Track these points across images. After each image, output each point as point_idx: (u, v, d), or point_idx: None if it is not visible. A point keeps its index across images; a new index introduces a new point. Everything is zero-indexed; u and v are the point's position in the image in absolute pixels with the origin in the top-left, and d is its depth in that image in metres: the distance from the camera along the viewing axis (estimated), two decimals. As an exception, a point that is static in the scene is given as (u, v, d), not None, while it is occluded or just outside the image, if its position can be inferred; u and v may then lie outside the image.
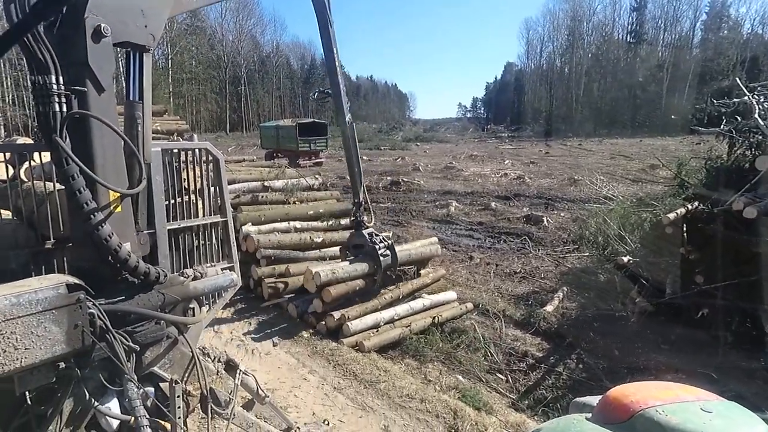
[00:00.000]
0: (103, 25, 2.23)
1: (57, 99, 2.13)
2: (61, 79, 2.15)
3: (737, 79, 8.40)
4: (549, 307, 6.77)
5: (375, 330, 5.90)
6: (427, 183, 19.59)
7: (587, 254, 9.15)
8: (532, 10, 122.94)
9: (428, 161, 28.41)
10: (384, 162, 29.18)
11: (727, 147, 7.63)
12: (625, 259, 7.21)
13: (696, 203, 6.24)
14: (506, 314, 6.73)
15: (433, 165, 26.23)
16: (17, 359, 1.79)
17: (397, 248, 6.59)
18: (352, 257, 6.56)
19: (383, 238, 6.47)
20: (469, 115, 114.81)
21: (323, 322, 5.92)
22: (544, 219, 12.29)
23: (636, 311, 6.33)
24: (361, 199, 6.51)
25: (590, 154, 32.49)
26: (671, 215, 6.16)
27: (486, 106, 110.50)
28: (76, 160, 2.15)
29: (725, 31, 63.37)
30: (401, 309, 6.26)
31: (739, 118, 7.29)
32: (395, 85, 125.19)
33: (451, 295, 6.92)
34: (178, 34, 61.35)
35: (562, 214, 13.18)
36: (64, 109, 2.17)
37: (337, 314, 5.82)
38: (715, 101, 8.63)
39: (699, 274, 5.85)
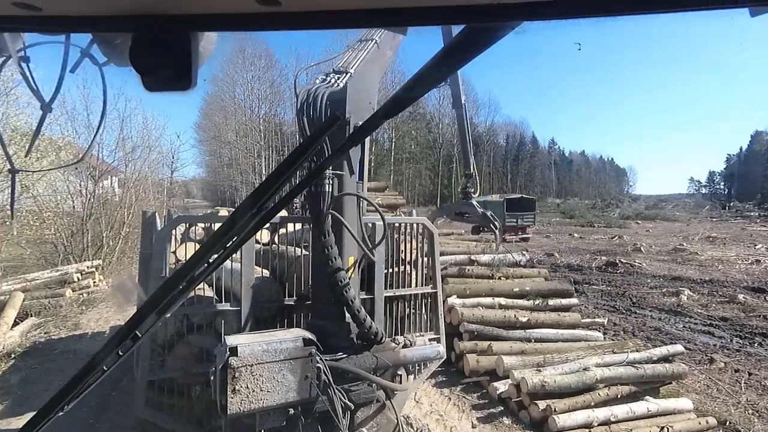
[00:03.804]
0: (359, 122, 2.72)
1: (329, 181, 2.66)
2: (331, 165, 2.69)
3: None
4: None
5: (587, 430, 5.12)
6: (650, 266, 17.09)
7: None
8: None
9: (652, 241, 24.94)
10: (598, 240, 26.78)
11: None
12: None
13: None
14: (771, 444, 5.17)
15: (658, 246, 22.89)
16: (261, 399, 2.11)
17: (616, 358, 5.93)
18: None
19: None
20: (704, 191, 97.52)
21: (525, 411, 5.43)
22: (822, 322, 9.32)
23: None
24: (472, 170, 7.58)
25: None
26: None
27: (727, 181, 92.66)
28: (349, 227, 2.61)
29: None
30: (619, 410, 5.33)
31: None
32: (611, 159, 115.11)
33: (685, 403, 5.66)
34: (402, 121, 69.70)
35: None
36: (331, 189, 2.68)
37: (542, 404, 5.27)
38: None
39: None
